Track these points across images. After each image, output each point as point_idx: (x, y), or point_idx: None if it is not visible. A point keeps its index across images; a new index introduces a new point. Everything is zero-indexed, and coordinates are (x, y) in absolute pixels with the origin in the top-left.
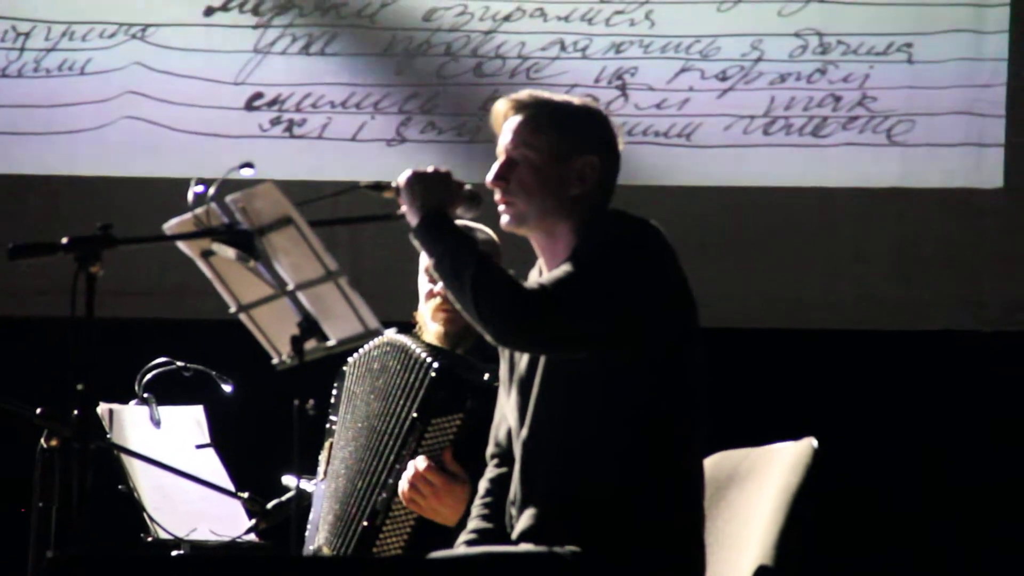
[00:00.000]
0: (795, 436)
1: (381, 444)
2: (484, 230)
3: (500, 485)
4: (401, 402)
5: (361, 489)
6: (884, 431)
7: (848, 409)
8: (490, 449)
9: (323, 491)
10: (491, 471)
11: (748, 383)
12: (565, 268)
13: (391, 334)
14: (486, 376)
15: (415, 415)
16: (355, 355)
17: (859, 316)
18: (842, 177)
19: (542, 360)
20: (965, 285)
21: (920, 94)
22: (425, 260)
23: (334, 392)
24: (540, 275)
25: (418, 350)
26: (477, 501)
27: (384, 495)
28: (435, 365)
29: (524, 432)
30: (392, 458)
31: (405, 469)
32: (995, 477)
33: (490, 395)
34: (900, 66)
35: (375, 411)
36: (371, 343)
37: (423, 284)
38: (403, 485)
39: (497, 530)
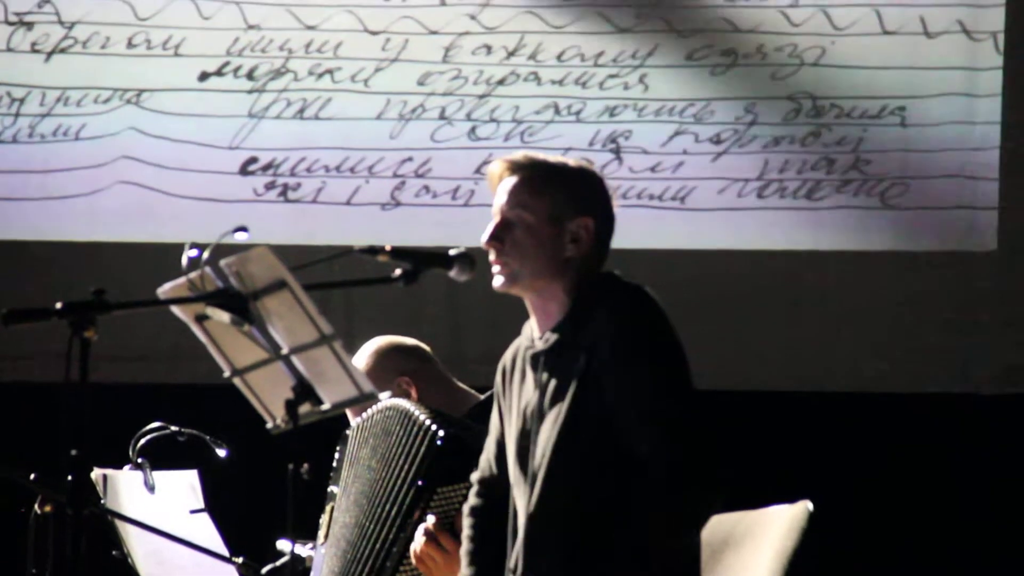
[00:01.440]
0: (790, 499)
1: (384, 511)
2: (406, 342)
3: (485, 514)
4: (406, 469)
5: (364, 555)
6: (879, 494)
7: (843, 472)
8: (473, 495)
9: (323, 556)
10: (474, 500)
11: (743, 445)
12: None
13: (393, 399)
14: None
15: (420, 483)
16: (359, 419)
17: (854, 379)
18: (836, 240)
19: (547, 434)
20: (960, 348)
21: (913, 157)
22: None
23: (336, 456)
24: (533, 338)
25: (422, 416)
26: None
27: (388, 564)
28: (441, 433)
29: (531, 505)
30: (396, 525)
31: (411, 537)
32: (991, 541)
33: None
34: (893, 129)
35: (378, 476)
36: (375, 407)
37: None
38: (416, 547)
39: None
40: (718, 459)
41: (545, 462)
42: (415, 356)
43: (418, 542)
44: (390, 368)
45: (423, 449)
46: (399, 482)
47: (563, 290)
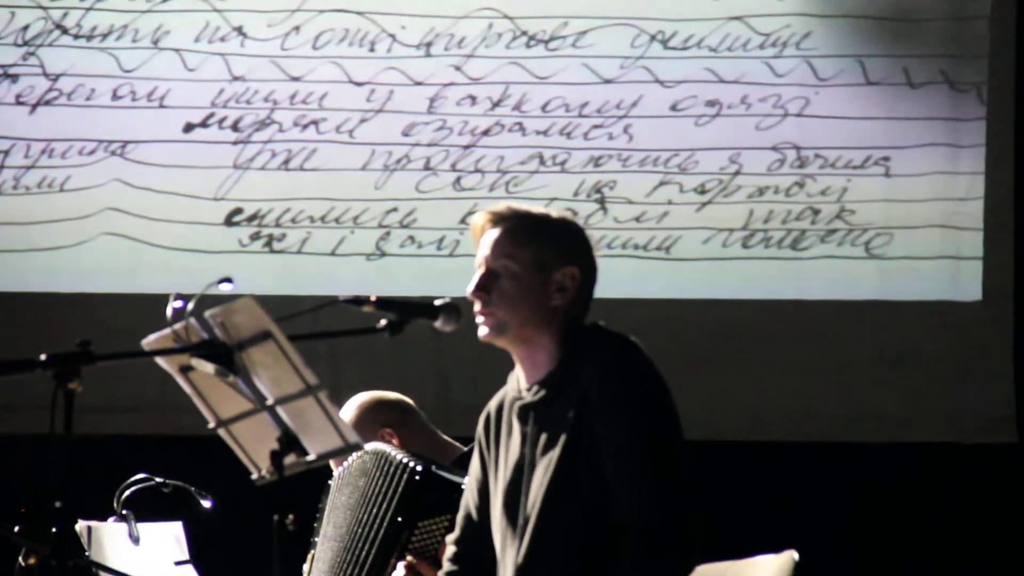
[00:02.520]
0: (776, 549)
1: (362, 551)
2: (389, 396)
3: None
4: (383, 506)
5: None
6: (864, 543)
7: (828, 521)
8: (448, 560)
9: None
10: (450, 566)
11: (728, 495)
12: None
13: (372, 443)
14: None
15: (400, 519)
16: (340, 468)
17: (838, 428)
18: (821, 290)
19: (537, 486)
20: (944, 398)
21: (898, 207)
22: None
23: (320, 507)
24: (520, 389)
25: (398, 455)
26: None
27: None
28: (418, 468)
29: (520, 558)
30: (377, 563)
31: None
32: None
33: None
34: (878, 179)
35: (356, 518)
36: (354, 455)
37: None
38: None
39: None
40: (693, 522)
41: (535, 514)
42: (398, 408)
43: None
44: (373, 420)
45: (401, 486)
46: (376, 520)
47: (551, 340)
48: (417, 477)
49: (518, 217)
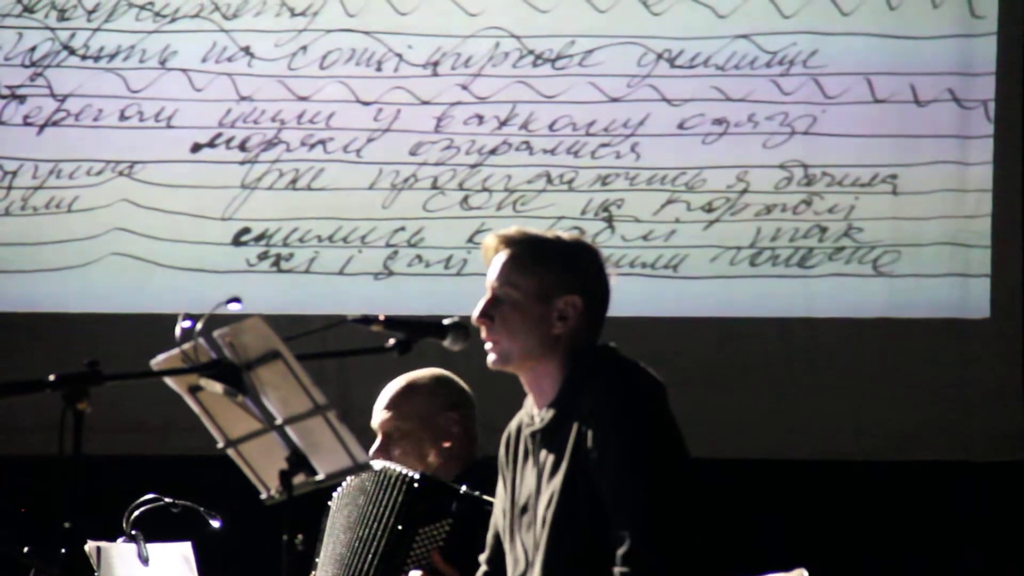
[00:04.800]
0: (785, 567)
1: (362, 566)
2: (452, 379)
3: None
4: (383, 519)
5: None
6: (875, 562)
7: (838, 540)
8: (481, 569)
9: None
10: None
11: (737, 514)
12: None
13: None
14: (464, 487)
15: (400, 528)
16: (338, 489)
17: (847, 446)
18: (829, 308)
19: (543, 512)
20: (953, 415)
21: (905, 225)
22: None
23: (320, 528)
24: (533, 415)
25: (395, 469)
26: None
27: None
28: (415, 476)
29: None
30: (378, 574)
31: None
32: None
33: (474, 501)
34: (885, 197)
35: (356, 535)
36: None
37: None
38: None
39: None
40: (695, 543)
41: (544, 541)
42: (467, 396)
43: None
44: (446, 395)
45: (400, 496)
46: (378, 534)
47: (555, 367)
48: (415, 485)
49: (525, 243)
